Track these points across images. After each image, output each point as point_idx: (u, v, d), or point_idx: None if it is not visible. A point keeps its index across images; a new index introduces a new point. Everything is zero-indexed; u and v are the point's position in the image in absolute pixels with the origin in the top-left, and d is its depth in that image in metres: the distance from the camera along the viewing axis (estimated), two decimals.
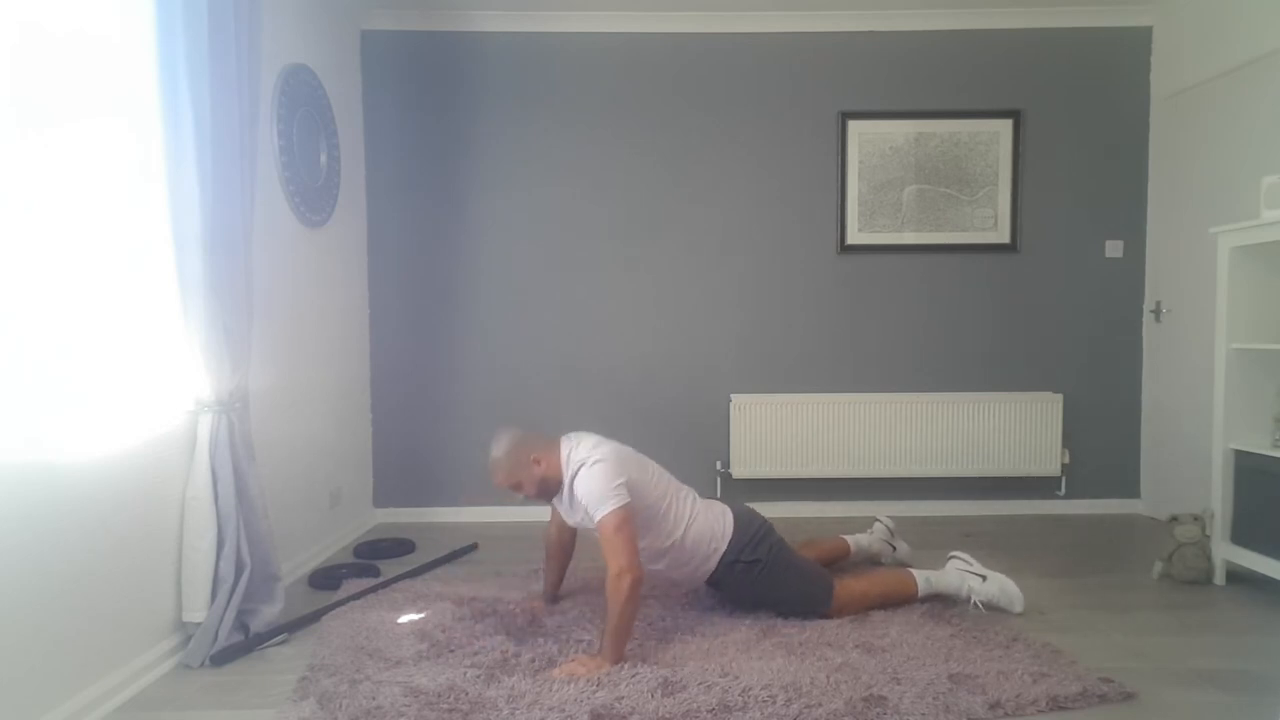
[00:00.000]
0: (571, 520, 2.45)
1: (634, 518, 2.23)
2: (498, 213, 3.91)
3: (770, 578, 2.44)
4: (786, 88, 3.89)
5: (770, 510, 3.90)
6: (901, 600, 2.57)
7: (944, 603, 2.58)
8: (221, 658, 2.24)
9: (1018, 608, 2.53)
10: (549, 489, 2.36)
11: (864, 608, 2.51)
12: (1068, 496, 3.93)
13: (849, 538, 2.98)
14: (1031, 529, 3.65)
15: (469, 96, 3.88)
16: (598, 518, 2.19)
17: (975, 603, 2.55)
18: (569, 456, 2.32)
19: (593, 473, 2.24)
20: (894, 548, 3.04)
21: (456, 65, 3.87)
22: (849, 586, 2.53)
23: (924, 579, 2.59)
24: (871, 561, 3.01)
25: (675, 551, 2.38)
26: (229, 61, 2.30)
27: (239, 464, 2.37)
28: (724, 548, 2.43)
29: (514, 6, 3.75)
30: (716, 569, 2.45)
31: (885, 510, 3.55)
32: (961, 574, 2.61)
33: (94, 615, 1.98)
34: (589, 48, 3.87)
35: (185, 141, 2.19)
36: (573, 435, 2.42)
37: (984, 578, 2.58)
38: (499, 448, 2.35)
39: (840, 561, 2.92)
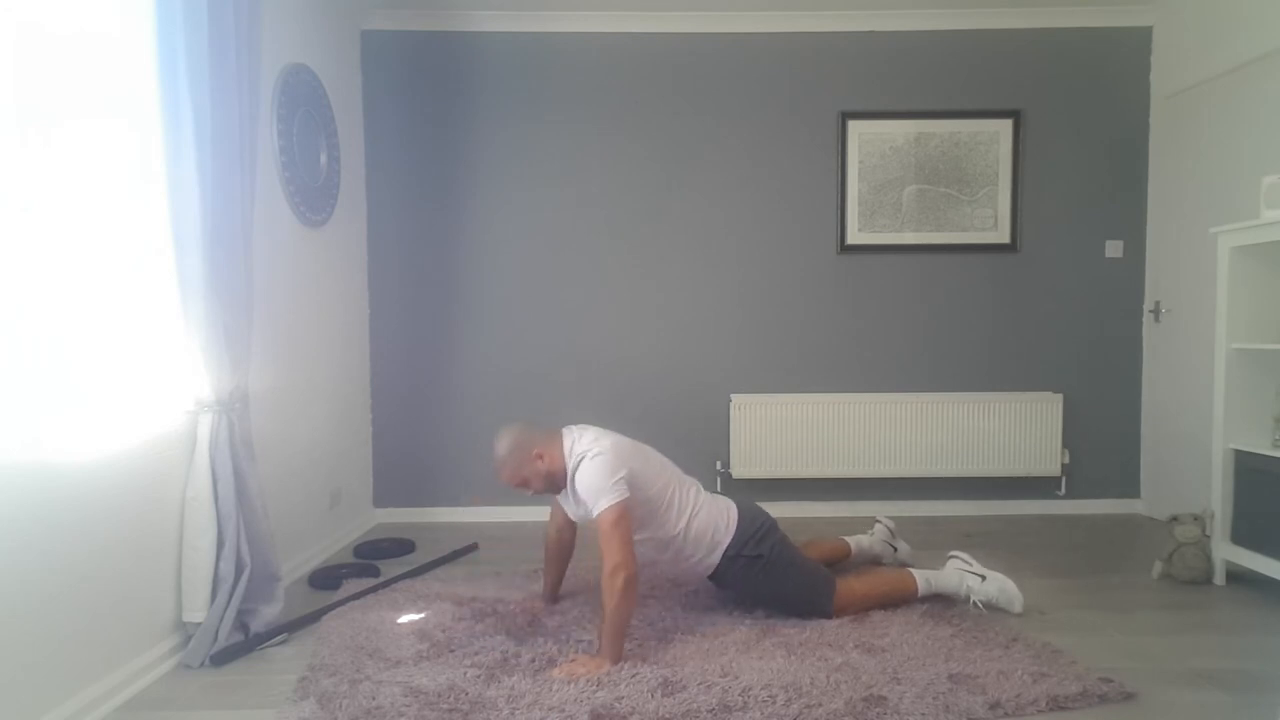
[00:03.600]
0: (574, 514, 2.48)
1: (633, 512, 2.24)
2: (498, 212, 3.91)
3: (772, 574, 2.45)
4: (786, 88, 3.89)
5: (771, 510, 3.91)
6: (902, 600, 2.57)
7: (944, 603, 2.58)
8: (221, 658, 2.24)
9: (1017, 608, 2.53)
10: (555, 483, 2.38)
11: (865, 608, 2.51)
12: (1068, 496, 3.93)
13: (849, 538, 2.98)
14: (1031, 529, 3.65)
15: (469, 96, 3.88)
16: (596, 512, 2.20)
17: (974, 602, 2.55)
18: (571, 449, 2.34)
19: (593, 465, 2.25)
20: (894, 548, 3.04)
21: (456, 65, 3.87)
22: (850, 587, 2.53)
23: (924, 579, 2.59)
24: (872, 562, 3.00)
25: (679, 543, 2.40)
26: (229, 61, 2.30)
27: (239, 464, 2.37)
28: (727, 541, 2.44)
29: (514, 6, 3.75)
30: (719, 563, 2.45)
31: (886, 510, 3.55)
32: (960, 573, 2.61)
33: (94, 615, 1.98)
34: (589, 48, 3.87)
35: (185, 141, 2.19)
36: (574, 428, 2.44)
37: (983, 577, 2.58)
38: (502, 446, 2.38)
39: (840, 562, 2.91)
